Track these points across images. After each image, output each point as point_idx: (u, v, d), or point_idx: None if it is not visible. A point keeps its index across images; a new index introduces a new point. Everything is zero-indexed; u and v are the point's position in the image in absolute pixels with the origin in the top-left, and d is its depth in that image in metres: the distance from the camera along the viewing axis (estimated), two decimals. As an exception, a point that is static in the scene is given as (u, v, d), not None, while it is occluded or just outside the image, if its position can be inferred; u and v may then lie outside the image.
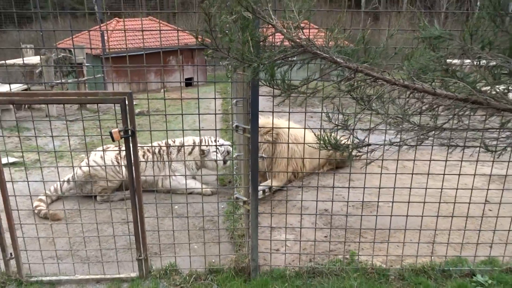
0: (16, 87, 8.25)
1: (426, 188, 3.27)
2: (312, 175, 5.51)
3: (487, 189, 3.39)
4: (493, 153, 2.02)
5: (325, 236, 3.95)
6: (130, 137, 3.04)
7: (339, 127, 2.16)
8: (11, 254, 3.32)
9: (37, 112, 9.29)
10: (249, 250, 3.39)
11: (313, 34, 1.99)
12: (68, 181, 4.88)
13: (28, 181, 3.39)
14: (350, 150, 2.19)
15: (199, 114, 3.25)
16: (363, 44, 1.94)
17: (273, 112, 3.22)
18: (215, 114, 3.36)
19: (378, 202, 3.42)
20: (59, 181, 4.55)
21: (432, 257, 3.52)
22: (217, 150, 5.12)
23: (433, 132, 2.03)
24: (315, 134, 2.27)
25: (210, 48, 1.95)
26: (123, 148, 3.13)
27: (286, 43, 1.92)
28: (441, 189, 3.30)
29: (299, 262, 3.55)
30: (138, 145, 3.17)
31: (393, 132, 2.12)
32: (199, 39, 2.02)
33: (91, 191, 4.81)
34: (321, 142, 2.19)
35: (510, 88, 1.84)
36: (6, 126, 7.94)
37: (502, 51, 1.76)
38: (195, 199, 4.77)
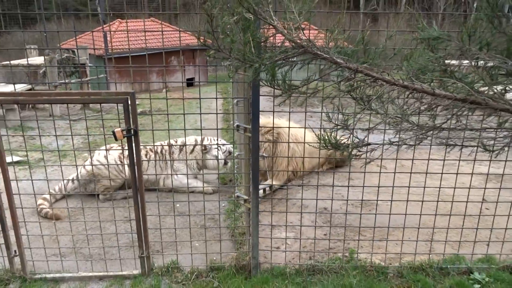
0: (20, 87, 8.31)
1: (424, 187, 3.30)
2: (312, 174, 5.55)
3: (484, 188, 3.43)
4: (491, 152, 2.05)
5: (325, 234, 3.99)
6: (132, 137, 3.08)
7: (339, 126, 2.20)
8: (15, 251, 3.36)
9: (41, 111, 9.35)
10: (249, 248, 3.43)
11: (314, 35, 2.02)
12: (73, 180, 4.93)
13: (32, 180, 3.43)
14: (350, 149, 2.22)
15: (200, 114, 3.29)
16: (363, 45, 1.97)
17: (273, 112, 3.26)
18: (216, 113, 3.40)
19: (377, 200, 3.45)
20: (63, 180, 4.59)
21: (430, 255, 3.56)
22: (219, 148, 5.16)
23: (432, 131, 2.06)
24: (315, 134, 2.31)
25: (212, 48, 1.99)
26: (126, 147, 3.17)
27: (287, 43, 1.95)
28: (439, 188, 3.34)
29: (299, 259, 3.59)
30: (141, 144, 3.21)
31: (392, 132, 2.16)
32: (201, 40, 2.05)
33: (94, 190, 4.86)
34: (322, 141, 2.23)
35: (507, 88, 1.88)
36: (11, 125, 8.00)
37: (500, 52, 1.79)
38: (196, 198, 4.82)
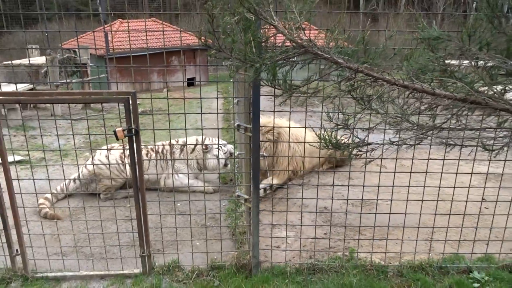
0: (22, 87, 8.34)
1: (424, 186, 3.32)
2: (312, 174, 5.56)
3: (484, 188, 3.44)
4: (490, 152, 2.06)
5: (325, 234, 4.00)
6: (134, 136, 3.09)
7: (339, 126, 2.21)
8: (17, 250, 3.37)
9: (42, 111, 9.37)
10: (250, 247, 3.44)
11: (314, 35, 2.03)
12: (74, 180, 4.94)
13: (33, 179, 3.45)
14: (351, 149, 2.23)
15: (201, 114, 3.31)
16: (363, 45, 1.98)
17: (274, 111, 3.28)
18: (217, 113, 3.41)
19: (377, 200, 3.46)
20: (64, 179, 4.60)
21: (430, 254, 3.57)
22: (220, 148, 5.18)
23: (432, 131, 2.07)
24: (316, 134, 2.32)
25: (213, 48, 2.00)
26: (127, 147, 3.19)
27: (288, 43, 1.96)
28: (439, 187, 3.35)
29: (300, 259, 3.60)
30: (142, 144, 3.22)
31: (392, 132, 2.17)
32: (202, 40, 2.06)
33: (96, 189, 4.87)
34: (322, 141, 2.24)
35: (507, 88, 1.89)
36: (12, 125, 8.03)
37: (500, 52, 1.80)
38: (197, 197, 4.83)
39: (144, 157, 5.02)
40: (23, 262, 3.39)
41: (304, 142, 3.48)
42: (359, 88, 2.04)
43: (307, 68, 2.12)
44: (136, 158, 3.15)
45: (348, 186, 3.48)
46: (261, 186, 4.39)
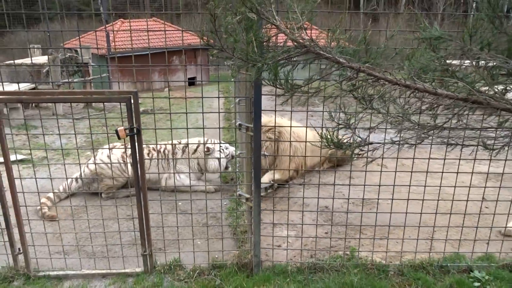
0: (24, 86, 8.35)
1: (425, 186, 3.32)
2: (313, 173, 5.57)
3: (484, 187, 3.45)
4: (491, 151, 2.07)
5: (326, 233, 4.01)
6: (135, 135, 3.10)
7: (341, 126, 2.22)
8: (19, 249, 3.39)
9: (44, 110, 9.39)
10: (251, 246, 3.45)
11: (315, 35, 2.03)
12: (77, 179, 4.96)
13: (36, 178, 3.46)
14: (353, 148, 2.24)
15: (203, 113, 3.32)
16: (365, 45, 1.99)
17: (275, 111, 3.29)
18: (219, 112, 3.42)
19: (377, 199, 3.47)
20: (66, 178, 4.61)
21: (431, 253, 3.57)
22: (222, 151, 5.18)
23: (433, 131, 2.08)
24: (317, 133, 2.32)
25: (215, 48, 2.00)
26: (129, 146, 3.20)
27: (289, 43, 1.96)
28: (439, 186, 3.35)
29: (301, 258, 3.61)
30: (144, 143, 3.23)
31: (393, 131, 2.18)
32: (205, 40, 2.07)
33: (98, 189, 4.88)
34: (324, 140, 2.25)
35: (508, 88, 1.89)
36: (14, 124, 8.04)
37: (501, 52, 1.81)
38: (198, 196, 4.84)
39: (146, 156, 5.02)
40: (25, 261, 3.41)
41: (306, 142, 3.49)
42: (361, 87, 2.05)
43: (308, 68, 2.13)
44: (138, 157, 3.16)
45: (349, 185, 3.49)
46: (262, 185, 4.39)
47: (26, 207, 3.45)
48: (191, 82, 18.15)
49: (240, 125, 3.29)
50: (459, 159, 3.23)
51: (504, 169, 3.35)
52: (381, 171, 3.37)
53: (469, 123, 2.13)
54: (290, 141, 4.55)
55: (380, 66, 1.94)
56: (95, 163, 4.55)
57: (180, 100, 8.93)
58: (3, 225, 3.31)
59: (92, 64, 10.46)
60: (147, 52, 3.52)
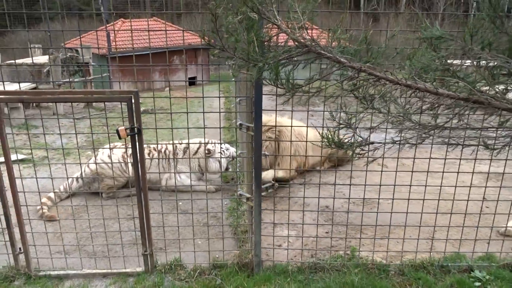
0: (24, 86, 8.36)
1: (425, 186, 3.32)
2: (314, 173, 5.57)
3: (485, 187, 3.45)
4: (492, 151, 2.07)
5: (327, 232, 4.02)
6: (136, 135, 3.11)
7: (342, 125, 2.22)
8: (20, 248, 3.39)
9: (44, 110, 9.40)
10: (252, 246, 3.45)
11: (316, 35, 2.03)
12: (77, 179, 4.96)
13: (36, 178, 3.47)
14: (354, 148, 2.24)
15: (203, 113, 3.32)
16: (366, 44, 1.99)
17: (276, 110, 3.29)
18: (219, 112, 3.42)
19: (378, 199, 3.47)
20: (67, 178, 4.61)
21: (431, 253, 3.58)
22: (222, 153, 5.18)
23: (434, 130, 2.08)
24: (319, 133, 2.33)
25: (217, 48, 2.01)
26: (130, 146, 3.20)
27: (290, 43, 1.96)
28: (440, 186, 3.36)
29: (301, 257, 3.61)
30: (145, 143, 3.23)
31: (394, 131, 2.18)
32: (206, 39, 2.07)
33: (98, 188, 4.89)
34: (325, 140, 2.25)
35: (509, 88, 1.89)
36: (15, 123, 8.05)
37: (502, 52, 1.81)
38: (199, 196, 4.85)
39: (146, 156, 5.03)
40: (26, 260, 3.41)
41: (306, 141, 3.49)
42: (362, 87, 2.05)
43: (309, 68, 2.13)
44: (138, 156, 3.17)
45: (350, 185, 3.49)
46: (264, 182, 4.38)
47: (27, 206, 3.45)
48: (191, 81, 18.16)
49: (241, 124, 3.30)
50: (460, 159, 3.23)
51: (504, 169, 3.36)
52: (381, 171, 3.37)
53: (469, 123, 2.13)
54: (291, 141, 4.55)
55: (381, 66, 1.94)
56: (95, 163, 4.54)
57: (180, 100, 8.94)
58: (4, 225, 3.31)
59: (92, 64, 10.46)
60: (148, 52, 3.52)
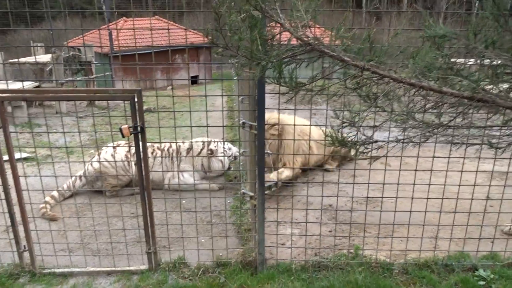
0: (27, 85, 8.38)
1: (429, 184, 3.32)
2: (317, 171, 5.57)
3: (489, 186, 3.44)
4: (496, 150, 2.06)
5: (330, 231, 4.02)
6: (139, 134, 3.11)
7: (346, 124, 2.22)
8: (24, 246, 3.41)
9: (47, 108, 9.43)
10: (255, 244, 3.46)
11: (319, 33, 2.03)
12: (80, 177, 4.97)
13: (40, 176, 3.48)
14: (358, 146, 2.24)
15: (206, 111, 3.32)
16: (369, 43, 1.98)
17: (279, 109, 3.29)
18: (222, 111, 3.43)
19: (382, 197, 3.47)
20: (71, 176, 4.62)
21: (435, 252, 3.57)
22: (225, 152, 5.19)
23: (438, 129, 2.07)
24: (322, 131, 2.33)
25: (220, 46, 2.01)
26: (133, 144, 3.20)
27: (293, 41, 1.96)
28: (444, 185, 3.35)
29: (305, 256, 3.62)
30: (148, 142, 3.24)
31: (397, 130, 2.17)
32: (209, 38, 2.07)
33: (101, 187, 4.90)
34: (329, 138, 2.25)
35: (513, 86, 1.89)
36: (18, 122, 8.08)
37: (506, 50, 1.80)
38: (202, 194, 4.85)
39: (149, 155, 5.03)
40: (31, 258, 3.43)
41: (309, 140, 3.49)
42: (365, 86, 2.05)
43: (312, 66, 2.13)
44: (142, 155, 3.17)
45: (353, 183, 3.49)
46: (268, 183, 4.38)
47: (31, 204, 3.47)
48: (194, 80, 18.17)
49: (243, 123, 3.30)
50: (463, 158, 3.22)
51: (508, 167, 3.34)
52: (385, 170, 3.36)
53: (473, 122, 2.12)
54: (294, 139, 4.54)
55: (384, 64, 1.94)
56: (99, 161, 4.55)
57: (183, 99, 8.93)
58: (9, 223, 3.33)
59: (95, 62, 10.48)
60: (151, 51, 3.53)
